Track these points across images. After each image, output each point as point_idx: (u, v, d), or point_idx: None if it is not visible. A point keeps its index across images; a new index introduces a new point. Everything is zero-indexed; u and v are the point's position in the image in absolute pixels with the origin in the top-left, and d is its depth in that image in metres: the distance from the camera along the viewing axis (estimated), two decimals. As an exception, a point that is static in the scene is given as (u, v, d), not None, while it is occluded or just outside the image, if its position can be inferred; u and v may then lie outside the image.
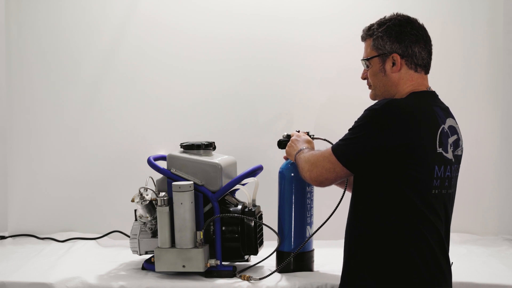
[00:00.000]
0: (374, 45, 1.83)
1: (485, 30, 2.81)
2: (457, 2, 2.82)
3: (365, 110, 1.74)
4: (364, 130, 1.70)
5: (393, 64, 1.80)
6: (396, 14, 1.85)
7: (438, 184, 1.74)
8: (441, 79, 2.75)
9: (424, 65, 1.83)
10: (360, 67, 1.92)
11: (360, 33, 1.91)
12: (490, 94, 2.84)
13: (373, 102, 1.79)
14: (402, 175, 1.69)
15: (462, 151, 1.84)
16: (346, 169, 1.74)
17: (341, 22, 2.82)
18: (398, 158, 1.68)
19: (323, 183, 1.81)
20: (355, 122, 1.75)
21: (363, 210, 1.78)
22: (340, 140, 1.78)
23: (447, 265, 1.78)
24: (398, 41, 1.80)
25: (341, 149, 1.75)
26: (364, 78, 1.92)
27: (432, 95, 1.83)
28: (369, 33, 1.86)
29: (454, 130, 1.80)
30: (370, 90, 1.91)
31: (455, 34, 2.82)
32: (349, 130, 1.76)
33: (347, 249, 1.84)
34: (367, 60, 1.86)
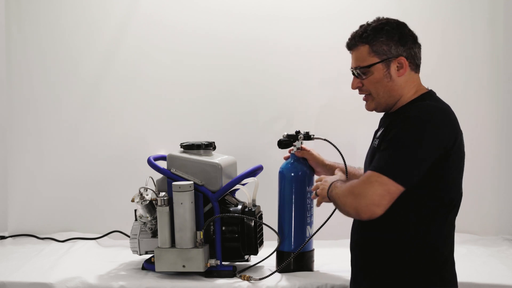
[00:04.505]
0: (376, 51, 1.75)
1: (485, 30, 2.81)
2: (457, 2, 2.82)
3: (403, 121, 1.65)
4: (415, 139, 1.61)
5: (398, 68, 1.75)
6: (384, 18, 1.80)
7: (461, 182, 1.75)
8: (441, 79, 2.77)
9: (420, 66, 1.83)
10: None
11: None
12: (490, 94, 2.84)
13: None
14: (443, 177, 1.67)
15: None
16: (403, 187, 1.58)
17: (341, 22, 2.80)
18: (444, 161, 1.64)
19: (376, 213, 1.58)
20: (397, 134, 1.63)
21: (390, 216, 1.66)
22: (385, 159, 1.61)
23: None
24: (402, 44, 1.76)
25: (393, 168, 1.59)
26: (356, 87, 1.83)
27: (435, 94, 1.83)
28: (363, 40, 1.76)
29: None
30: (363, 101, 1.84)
31: (455, 34, 2.82)
32: (392, 145, 1.63)
33: (370, 256, 1.76)
34: (367, 67, 1.77)
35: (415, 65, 1.80)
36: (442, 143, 1.64)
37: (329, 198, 1.77)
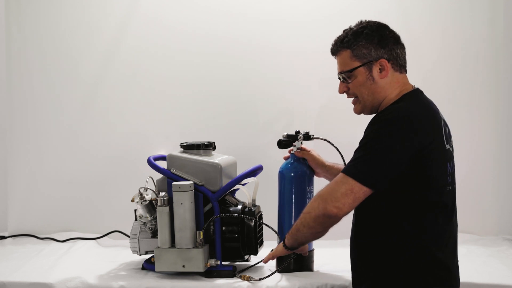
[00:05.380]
0: (356, 55, 1.78)
1: (485, 30, 2.81)
2: (457, 2, 2.82)
3: (374, 124, 1.69)
4: (383, 142, 1.64)
5: (380, 70, 1.77)
6: (365, 21, 1.82)
7: (450, 180, 1.75)
8: (441, 79, 2.77)
9: (405, 65, 1.84)
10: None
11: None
12: (490, 94, 2.83)
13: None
14: (422, 178, 1.67)
15: (453, 142, 1.85)
16: (367, 187, 1.64)
17: (341, 23, 2.75)
18: (420, 162, 1.66)
19: (341, 210, 1.66)
20: (367, 137, 1.68)
21: (379, 219, 1.73)
22: (353, 161, 1.68)
23: (456, 263, 1.81)
24: (382, 46, 1.78)
25: (358, 169, 1.65)
26: (343, 92, 1.86)
27: (421, 92, 1.83)
28: (344, 45, 1.79)
29: (445, 122, 1.80)
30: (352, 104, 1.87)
31: (455, 34, 2.82)
32: (361, 147, 1.68)
33: (366, 259, 1.79)
34: (350, 71, 1.79)
35: (399, 66, 1.80)
36: (411, 145, 1.64)
37: (286, 244, 1.90)
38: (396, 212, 1.70)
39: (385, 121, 1.68)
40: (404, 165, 1.65)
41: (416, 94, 1.80)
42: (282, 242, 1.94)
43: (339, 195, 1.66)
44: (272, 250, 2.03)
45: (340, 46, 1.81)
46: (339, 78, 1.85)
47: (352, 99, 1.87)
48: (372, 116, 1.82)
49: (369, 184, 1.65)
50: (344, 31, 1.83)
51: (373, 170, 1.65)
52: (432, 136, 1.69)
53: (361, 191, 1.65)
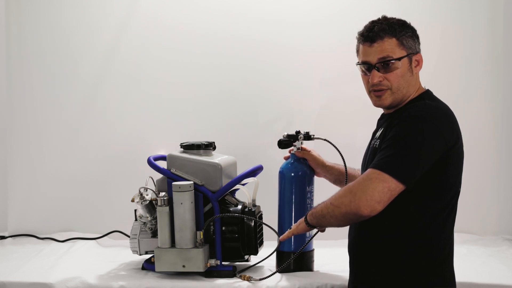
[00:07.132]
0: (404, 44, 1.74)
1: (485, 30, 2.81)
2: (457, 2, 2.82)
3: (406, 120, 1.65)
4: (417, 139, 1.62)
5: (415, 64, 1.78)
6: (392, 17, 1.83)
7: (461, 180, 1.76)
8: (441, 79, 2.77)
9: None
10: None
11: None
12: (490, 94, 2.83)
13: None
14: (444, 177, 1.67)
15: None
16: (403, 185, 1.60)
17: (341, 23, 2.81)
18: (447, 161, 1.66)
19: (376, 209, 1.59)
20: (399, 134, 1.64)
21: (388, 217, 1.68)
22: (386, 158, 1.62)
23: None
24: (419, 41, 1.80)
25: (395, 165, 1.60)
26: (378, 81, 1.75)
27: (433, 93, 1.84)
28: (391, 33, 1.74)
29: None
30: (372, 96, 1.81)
31: (455, 34, 2.82)
32: (394, 144, 1.63)
33: (367, 257, 1.78)
34: (398, 59, 1.73)
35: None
36: (443, 143, 1.64)
37: (310, 222, 1.80)
38: (406, 210, 1.69)
39: (417, 118, 1.65)
40: (432, 163, 1.63)
41: (432, 94, 1.81)
42: (304, 219, 1.83)
43: (375, 193, 1.58)
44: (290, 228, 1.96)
45: (386, 32, 1.74)
46: (373, 66, 1.76)
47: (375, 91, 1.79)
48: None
49: (407, 181, 1.60)
50: (373, 22, 1.78)
51: (410, 167, 1.61)
52: (457, 136, 1.70)
53: (397, 189, 1.60)
